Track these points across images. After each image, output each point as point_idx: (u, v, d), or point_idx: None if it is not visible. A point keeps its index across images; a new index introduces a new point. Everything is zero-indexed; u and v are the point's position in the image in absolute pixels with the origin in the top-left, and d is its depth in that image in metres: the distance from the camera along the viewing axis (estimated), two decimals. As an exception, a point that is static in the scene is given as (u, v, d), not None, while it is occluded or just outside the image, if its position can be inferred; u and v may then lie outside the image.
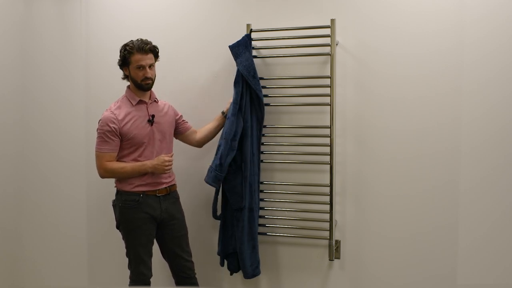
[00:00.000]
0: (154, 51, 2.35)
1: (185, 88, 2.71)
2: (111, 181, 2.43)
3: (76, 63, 2.92)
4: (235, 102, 2.40)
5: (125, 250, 2.44)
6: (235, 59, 2.45)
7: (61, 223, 3.00)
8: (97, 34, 2.87)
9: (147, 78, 2.33)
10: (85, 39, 2.89)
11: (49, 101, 2.99)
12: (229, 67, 2.58)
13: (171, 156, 2.37)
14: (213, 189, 2.55)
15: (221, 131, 2.49)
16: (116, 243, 2.86)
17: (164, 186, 2.41)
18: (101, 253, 2.94)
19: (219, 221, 2.57)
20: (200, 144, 2.58)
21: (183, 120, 2.56)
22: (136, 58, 2.30)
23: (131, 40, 2.34)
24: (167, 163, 2.32)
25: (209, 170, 2.44)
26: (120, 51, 2.34)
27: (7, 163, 2.95)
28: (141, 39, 2.33)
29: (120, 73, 2.43)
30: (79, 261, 2.98)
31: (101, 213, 2.91)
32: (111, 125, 2.28)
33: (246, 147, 2.42)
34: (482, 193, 2.30)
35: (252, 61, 2.43)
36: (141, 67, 2.31)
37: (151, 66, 2.34)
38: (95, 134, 2.86)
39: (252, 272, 2.46)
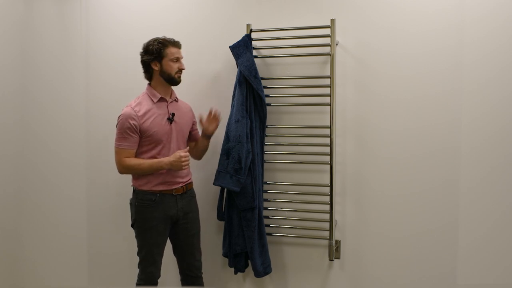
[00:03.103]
0: None
1: (184, 88, 2.70)
2: (111, 181, 2.43)
3: (76, 63, 2.92)
4: (241, 103, 2.40)
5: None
6: (236, 60, 2.45)
7: (61, 223, 3.00)
8: (97, 34, 2.87)
9: (180, 70, 2.37)
10: (85, 39, 2.89)
11: (49, 101, 2.99)
12: (229, 67, 2.58)
13: (187, 152, 2.34)
14: (216, 190, 2.55)
15: (224, 135, 2.46)
16: (116, 243, 2.87)
17: (181, 185, 2.40)
18: (101, 253, 2.94)
19: (222, 222, 2.57)
20: (197, 156, 2.56)
21: (196, 128, 2.56)
22: (172, 51, 2.34)
23: (156, 37, 2.35)
24: (183, 159, 2.29)
25: (220, 174, 2.40)
26: (150, 46, 2.33)
27: (7, 163, 2.95)
28: (164, 36, 2.36)
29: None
30: (79, 261, 2.98)
31: (101, 213, 2.91)
32: (131, 121, 2.28)
33: (254, 148, 2.42)
34: (482, 193, 2.30)
35: (253, 61, 2.43)
36: (177, 59, 2.35)
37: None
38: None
39: (263, 270, 2.47)
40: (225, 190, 2.49)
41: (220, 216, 2.55)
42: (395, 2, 2.37)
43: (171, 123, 2.36)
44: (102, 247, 2.93)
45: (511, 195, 2.26)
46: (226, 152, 2.40)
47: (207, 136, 2.50)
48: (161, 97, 2.37)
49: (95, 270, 2.96)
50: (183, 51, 2.44)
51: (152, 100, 2.36)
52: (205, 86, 2.69)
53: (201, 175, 2.68)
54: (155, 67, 2.35)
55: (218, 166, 2.43)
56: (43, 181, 3.02)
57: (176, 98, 2.47)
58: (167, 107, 2.39)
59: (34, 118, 3.02)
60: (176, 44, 2.36)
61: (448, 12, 2.30)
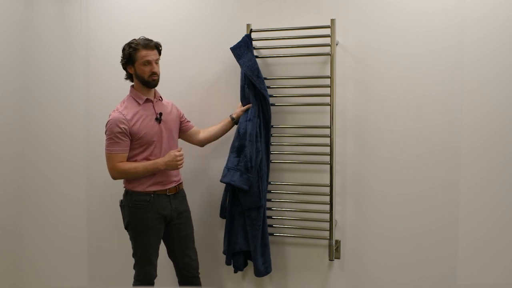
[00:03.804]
0: (158, 48, 2.36)
1: (184, 88, 2.71)
2: (111, 181, 2.43)
3: (76, 63, 2.92)
4: (255, 103, 2.41)
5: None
6: (238, 61, 2.44)
7: (61, 223, 3.00)
8: (97, 34, 2.87)
9: (154, 74, 2.33)
10: (85, 39, 2.89)
11: (49, 101, 2.99)
12: (229, 68, 2.58)
13: (180, 151, 2.36)
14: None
15: (235, 133, 2.46)
16: (116, 243, 2.87)
17: (174, 184, 2.41)
18: (101, 253, 2.94)
19: (223, 220, 2.57)
20: (202, 144, 2.58)
21: (185, 119, 2.57)
22: (142, 54, 2.30)
23: (134, 39, 2.34)
24: (178, 158, 2.32)
25: (229, 171, 2.39)
26: (124, 50, 2.34)
27: (7, 163, 2.95)
28: (144, 37, 2.34)
29: (122, 73, 2.42)
30: (79, 261, 2.98)
31: (101, 213, 2.91)
32: (121, 125, 2.27)
33: (261, 147, 2.42)
34: (482, 193, 2.30)
35: (255, 61, 2.43)
36: (148, 63, 2.31)
37: (156, 61, 2.35)
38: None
39: (265, 270, 2.47)
40: (230, 188, 2.48)
41: (223, 214, 2.55)
42: (395, 2, 2.37)
43: (159, 122, 2.36)
44: (102, 247, 2.93)
45: (511, 195, 2.26)
46: (237, 149, 2.40)
47: (236, 121, 2.52)
48: (146, 99, 2.37)
49: (95, 270, 2.97)
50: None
51: (138, 102, 2.35)
52: (205, 86, 2.69)
53: (201, 172, 2.68)
54: (131, 71, 2.36)
55: (227, 163, 2.42)
56: (43, 181, 3.02)
57: (161, 97, 2.46)
58: (154, 107, 2.38)
59: (34, 118, 3.02)
60: (148, 46, 2.31)
61: (448, 12, 2.30)
